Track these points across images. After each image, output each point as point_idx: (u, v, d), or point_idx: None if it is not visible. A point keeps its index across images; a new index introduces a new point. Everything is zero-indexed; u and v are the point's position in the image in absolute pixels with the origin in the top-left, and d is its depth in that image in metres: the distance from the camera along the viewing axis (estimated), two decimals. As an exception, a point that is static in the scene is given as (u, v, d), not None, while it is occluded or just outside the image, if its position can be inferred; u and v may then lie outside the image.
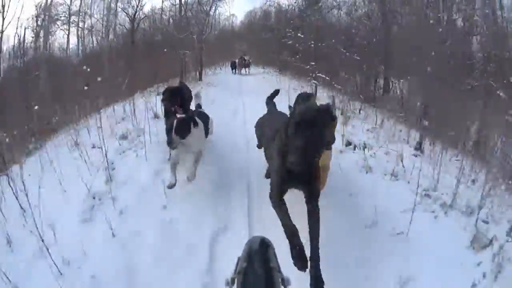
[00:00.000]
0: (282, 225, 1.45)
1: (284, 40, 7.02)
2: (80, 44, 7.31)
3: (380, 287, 1.49)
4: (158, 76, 4.88)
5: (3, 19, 7.12)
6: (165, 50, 5.26)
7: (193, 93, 2.97)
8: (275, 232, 1.43)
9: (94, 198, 2.12)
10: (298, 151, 1.24)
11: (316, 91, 2.59)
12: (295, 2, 7.70)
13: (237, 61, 9.95)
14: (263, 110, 2.53)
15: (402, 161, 2.48)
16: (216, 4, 7.34)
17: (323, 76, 4.87)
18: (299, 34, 6.49)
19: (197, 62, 6.40)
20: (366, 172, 2.44)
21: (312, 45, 5.76)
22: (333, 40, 5.49)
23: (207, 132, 2.60)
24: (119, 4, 7.01)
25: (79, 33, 7.41)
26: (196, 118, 2.32)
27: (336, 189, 2.06)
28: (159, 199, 2.11)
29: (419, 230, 1.73)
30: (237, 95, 5.55)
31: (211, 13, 7.22)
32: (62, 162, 2.47)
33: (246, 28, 10.72)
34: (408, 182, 2.26)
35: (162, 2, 7.16)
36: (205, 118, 2.67)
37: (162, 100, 2.72)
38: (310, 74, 5.18)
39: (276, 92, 2.65)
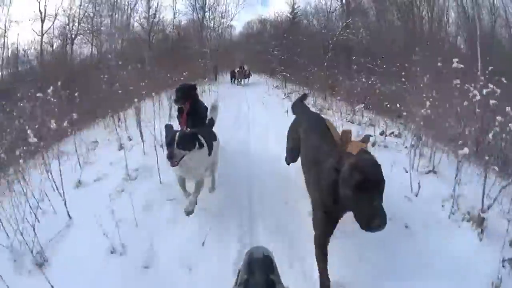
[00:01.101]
0: (320, 273, 1.46)
1: (273, 52, 10.03)
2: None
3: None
4: (191, 77, 7.59)
5: (42, 22, 9.82)
6: (200, 59, 8.17)
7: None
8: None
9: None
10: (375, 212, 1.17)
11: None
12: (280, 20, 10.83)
13: (236, 71, 10.16)
14: (259, 93, 4.67)
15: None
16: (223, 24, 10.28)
17: (287, 74, 7.86)
18: (275, 51, 9.66)
19: (213, 68, 9.34)
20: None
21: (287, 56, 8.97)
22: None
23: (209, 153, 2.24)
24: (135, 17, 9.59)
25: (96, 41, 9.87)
26: (201, 138, 2.10)
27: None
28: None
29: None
30: (241, 88, 8.93)
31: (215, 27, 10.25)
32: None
33: (244, 38, 12.17)
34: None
35: (174, 17, 10.08)
36: (211, 139, 2.37)
37: (175, 101, 2.77)
38: (280, 74, 8.43)
39: (305, 96, 2.53)
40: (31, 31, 9.19)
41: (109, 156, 3.06)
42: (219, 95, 5.96)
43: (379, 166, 1.29)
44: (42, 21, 9.55)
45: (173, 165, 1.90)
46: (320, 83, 5.49)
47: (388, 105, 3.92)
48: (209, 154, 2.23)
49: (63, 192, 2.11)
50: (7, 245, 1.75)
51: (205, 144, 2.14)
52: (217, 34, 9.98)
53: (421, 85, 3.11)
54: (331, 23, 9.70)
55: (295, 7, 10.63)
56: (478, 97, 2.27)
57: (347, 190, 1.25)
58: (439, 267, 1.60)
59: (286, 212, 2.11)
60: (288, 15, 10.74)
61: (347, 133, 1.51)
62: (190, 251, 1.78)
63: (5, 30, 8.76)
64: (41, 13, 9.44)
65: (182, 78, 5.58)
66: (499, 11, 7.41)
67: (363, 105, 4.09)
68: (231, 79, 10.13)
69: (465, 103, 2.42)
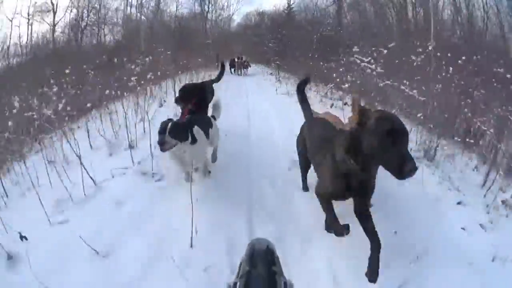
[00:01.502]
0: (328, 217, 1.66)
1: (269, 44, 11.26)
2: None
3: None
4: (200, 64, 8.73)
5: (54, 14, 10.95)
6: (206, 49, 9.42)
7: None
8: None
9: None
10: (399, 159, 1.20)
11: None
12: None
13: (236, 61, 10.51)
14: (255, 78, 6.04)
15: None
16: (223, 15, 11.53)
17: (278, 63, 9.10)
18: (270, 43, 10.91)
19: (216, 57, 10.60)
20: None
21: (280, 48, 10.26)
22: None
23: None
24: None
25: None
26: (196, 131, 2.14)
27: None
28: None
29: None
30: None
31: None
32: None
33: (242, 30, 13.03)
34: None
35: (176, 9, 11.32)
36: (207, 125, 2.41)
37: (176, 100, 2.78)
38: (273, 63, 9.59)
39: (306, 80, 2.45)
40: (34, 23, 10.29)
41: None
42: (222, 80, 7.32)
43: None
44: (54, 13, 10.74)
45: (162, 150, 1.95)
46: (305, 69, 6.82)
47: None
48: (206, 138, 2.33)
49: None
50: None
51: (201, 138, 2.18)
52: (218, 26, 11.29)
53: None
54: (322, 19, 11.05)
55: (291, 3, 11.99)
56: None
57: (376, 142, 1.25)
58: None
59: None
60: (285, 10, 12.05)
61: (357, 100, 1.54)
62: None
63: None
64: (53, 4, 10.62)
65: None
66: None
67: (334, 85, 5.43)
68: (231, 69, 10.38)
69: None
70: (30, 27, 10.25)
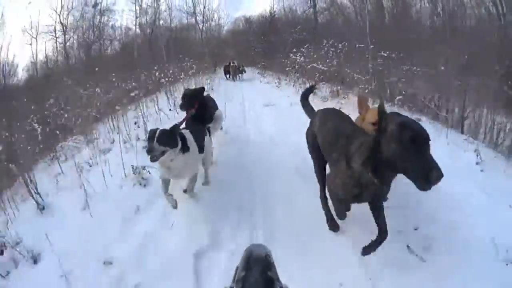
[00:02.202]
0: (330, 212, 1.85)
1: (255, 50, 13.27)
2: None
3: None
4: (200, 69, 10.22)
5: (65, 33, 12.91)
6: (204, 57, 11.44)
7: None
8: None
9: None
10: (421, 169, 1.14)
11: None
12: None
13: (230, 66, 10.71)
14: (246, 76, 8.27)
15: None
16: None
17: (264, 64, 11.09)
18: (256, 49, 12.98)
19: (213, 63, 12.40)
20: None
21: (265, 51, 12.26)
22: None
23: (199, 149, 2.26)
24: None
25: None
26: (189, 140, 2.12)
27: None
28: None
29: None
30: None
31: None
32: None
33: (232, 36, 14.37)
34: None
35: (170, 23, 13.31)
36: (201, 135, 2.38)
37: (181, 106, 2.85)
38: (260, 64, 11.64)
39: (311, 88, 2.46)
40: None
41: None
42: (218, 77, 9.52)
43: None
44: (65, 32, 12.76)
45: (152, 160, 1.89)
46: (281, 67, 8.89)
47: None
48: (199, 152, 2.25)
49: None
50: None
51: (192, 146, 2.13)
52: (210, 35, 13.38)
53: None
54: (300, 22, 13.02)
55: (272, 11, 13.92)
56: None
57: (400, 149, 1.18)
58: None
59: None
60: (267, 18, 14.02)
61: (364, 100, 1.48)
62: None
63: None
64: (62, 24, 12.62)
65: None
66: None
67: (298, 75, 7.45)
68: (226, 75, 10.84)
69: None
70: (43, 44, 12.03)
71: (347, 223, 1.81)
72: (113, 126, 4.14)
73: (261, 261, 0.90)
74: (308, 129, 2.10)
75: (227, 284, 0.86)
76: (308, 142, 2.07)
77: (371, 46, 5.82)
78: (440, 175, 1.13)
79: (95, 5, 13.16)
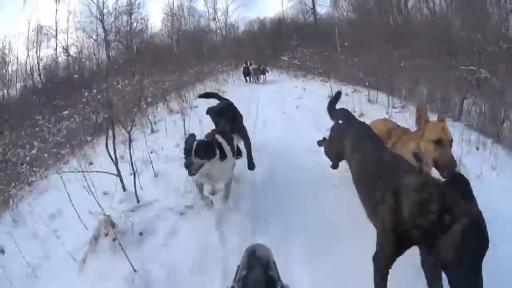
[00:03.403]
0: None
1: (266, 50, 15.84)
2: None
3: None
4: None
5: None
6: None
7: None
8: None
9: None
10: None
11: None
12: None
13: (250, 68, 10.55)
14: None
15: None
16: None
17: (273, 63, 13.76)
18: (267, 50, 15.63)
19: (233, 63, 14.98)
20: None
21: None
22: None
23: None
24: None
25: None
26: (224, 146, 2.13)
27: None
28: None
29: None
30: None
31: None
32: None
33: (247, 37, 16.20)
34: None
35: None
36: (231, 138, 2.44)
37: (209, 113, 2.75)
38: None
39: (337, 96, 2.36)
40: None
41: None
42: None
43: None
44: (106, 36, 15.89)
45: (190, 174, 1.90)
46: (288, 65, 11.61)
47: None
48: (233, 154, 2.28)
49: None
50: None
51: (229, 154, 2.15)
52: (228, 37, 16.11)
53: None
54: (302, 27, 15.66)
55: (282, 19, 16.51)
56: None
57: (458, 248, 0.98)
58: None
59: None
60: (276, 22, 16.73)
61: (423, 110, 1.33)
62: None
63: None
64: (104, 29, 15.74)
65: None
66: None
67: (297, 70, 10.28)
68: (245, 77, 10.78)
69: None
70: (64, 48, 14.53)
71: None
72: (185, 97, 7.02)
73: (262, 261, 0.90)
74: (330, 140, 2.10)
75: (228, 283, 0.86)
76: (329, 155, 2.17)
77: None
78: None
79: (131, 14, 16.47)
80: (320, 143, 2.65)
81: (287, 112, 5.47)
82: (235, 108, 3.00)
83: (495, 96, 3.97)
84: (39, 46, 13.86)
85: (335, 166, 2.36)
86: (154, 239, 2.16)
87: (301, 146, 3.44)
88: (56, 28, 14.47)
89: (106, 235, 2.06)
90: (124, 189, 2.72)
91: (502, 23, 7.08)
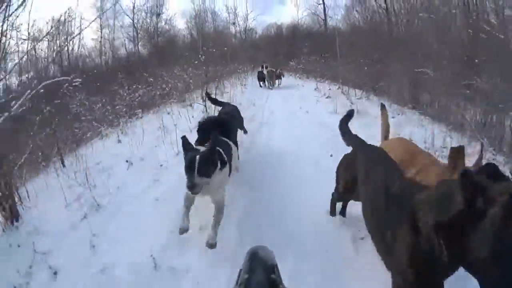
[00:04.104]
0: None
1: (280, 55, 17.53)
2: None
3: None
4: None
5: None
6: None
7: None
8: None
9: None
10: None
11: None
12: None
13: (265, 72, 9.98)
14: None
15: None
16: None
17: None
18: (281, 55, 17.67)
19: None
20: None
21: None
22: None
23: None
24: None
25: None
26: (223, 153, 2.03)
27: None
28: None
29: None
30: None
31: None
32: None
33: (264, 41, 17.06)
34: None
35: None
36: (227, 150, 2.27)
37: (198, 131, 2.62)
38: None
39: (350, 115, 2.21)
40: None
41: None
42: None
43: None
44: (137, 34, 18.35)
45: (194, 193, 1.81)
46: (295, 69, 13.54)
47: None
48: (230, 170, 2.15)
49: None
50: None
51: (227, 161, 2.06)
52: (247, 40, 17.99)
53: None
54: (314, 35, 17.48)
55: (296, 25, 18.05)
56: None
57: (494, 247, 0.79)
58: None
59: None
60: (290, 30, 18.47)
61: (459, 153, 1.19)
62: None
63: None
64: (135, 27, 18.23)
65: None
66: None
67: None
68: (259, 82, 10.25)
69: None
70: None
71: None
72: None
73: (265, 264, 0.88)
74: (341, 168, 1.92)
75: (230, 287, 0.84)
76: (339, 186, 1.92)
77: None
78: None
79: (158, 15, 18.86)
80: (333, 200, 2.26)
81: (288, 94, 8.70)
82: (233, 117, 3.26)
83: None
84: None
85: (333, 213, 2.19)
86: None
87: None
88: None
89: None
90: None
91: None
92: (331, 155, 3.27)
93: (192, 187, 1.78)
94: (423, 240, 1.00)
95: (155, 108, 7.28)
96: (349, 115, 2.22)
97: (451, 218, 0.90)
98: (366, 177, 1.51)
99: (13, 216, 2.60)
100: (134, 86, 7.99)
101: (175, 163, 3.49)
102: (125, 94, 7.75)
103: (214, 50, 10.41)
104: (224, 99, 6.00)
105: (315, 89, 9.02)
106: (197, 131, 2.67)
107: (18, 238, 2.40)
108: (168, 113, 6.03)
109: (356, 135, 2.00)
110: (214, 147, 1.97)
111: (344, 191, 1.89)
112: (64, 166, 3.98)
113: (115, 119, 6.51)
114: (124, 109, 6.96)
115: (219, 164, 1.96)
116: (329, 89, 8.66)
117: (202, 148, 2.03)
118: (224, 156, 2.10)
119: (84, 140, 5.79)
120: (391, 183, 1.28)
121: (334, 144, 3.11)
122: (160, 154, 3.85)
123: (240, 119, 3.62)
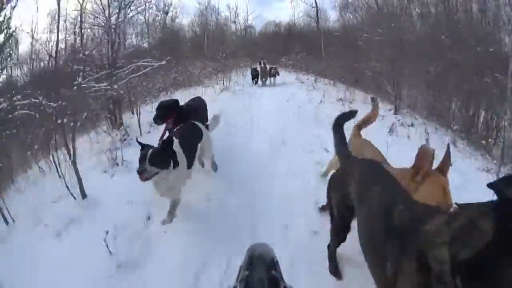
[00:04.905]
0: None
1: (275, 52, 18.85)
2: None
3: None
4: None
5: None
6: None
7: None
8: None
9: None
10: None
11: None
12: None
13: (259, 68, 9.65)
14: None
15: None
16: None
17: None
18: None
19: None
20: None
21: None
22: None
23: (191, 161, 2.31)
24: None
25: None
26: (178, 154, 2.10)
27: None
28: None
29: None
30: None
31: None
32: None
33: (262, 38, 17.45)
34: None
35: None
36: (196, 136, 2.47)
37: (155, 118, 2.78)
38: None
39: (352, 114, 1.93)
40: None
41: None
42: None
43: None
44: (148, 31, 20.08)
45: (142, 180, 1.91)
46: (285, 65, 14.95)
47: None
48: (189, 167, 2.24)
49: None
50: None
51: (183, 160, 2.13)
52: (246, 38, 19.09)
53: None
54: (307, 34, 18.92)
55: (291, 25, 19.06)
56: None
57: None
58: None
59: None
60: (285, 29, 19.68)
61: (427, 154, 1.11)
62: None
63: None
64: (146, 24, 19.98)
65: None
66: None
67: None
68: (252, 79, 9.70)
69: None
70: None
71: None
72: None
73: (265, 260, 0.87)
74: (331, 189, 1.61)
75: (230, 284, 0.84)
76: (331, 197, 1.60)
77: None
78: None
79: (166, 12, 20.56)
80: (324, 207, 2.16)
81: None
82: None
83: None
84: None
85: (337, 244, 1.72)
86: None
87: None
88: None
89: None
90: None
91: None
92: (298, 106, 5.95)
93: (142, 172, 1.89)
94: (435, 281, 0.79)
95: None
96: (347, 115, 1.93)
97: (477, 253, 0.69)
98: (361, 197, 1.31)
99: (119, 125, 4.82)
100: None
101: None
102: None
103: (220, 47, 11.80)
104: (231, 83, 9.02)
105: (295, 78, 11.41)
106: (156, 109, 2.98)
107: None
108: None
109: (346, 147, 1.74)
110: (167, 147, 2.08)
111: (342, 222, 1.56)
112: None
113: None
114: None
115: (171, 164, 2.03)
116: (307, 79, 10.94)
117: (157, 147, 2.11)
118: (179, 157, 2.13)
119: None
120: (392, 207, 1.06)
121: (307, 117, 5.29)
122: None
123: (204, 111, 3.49)
